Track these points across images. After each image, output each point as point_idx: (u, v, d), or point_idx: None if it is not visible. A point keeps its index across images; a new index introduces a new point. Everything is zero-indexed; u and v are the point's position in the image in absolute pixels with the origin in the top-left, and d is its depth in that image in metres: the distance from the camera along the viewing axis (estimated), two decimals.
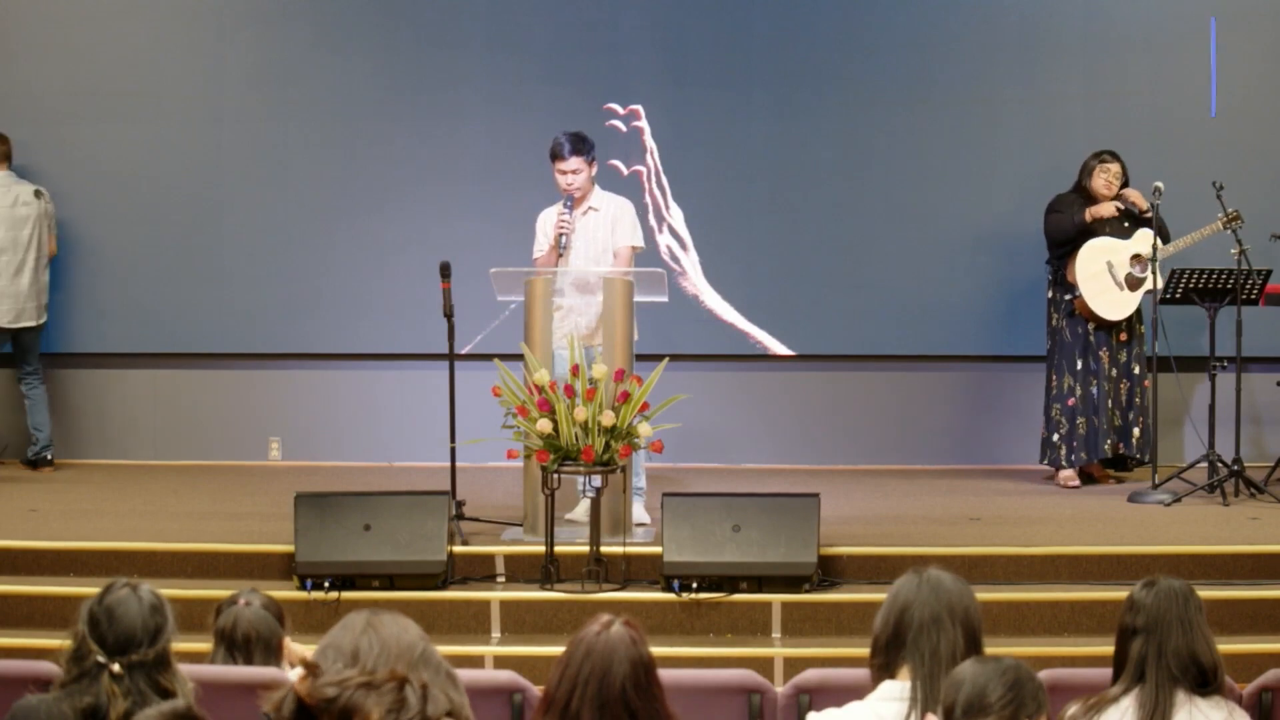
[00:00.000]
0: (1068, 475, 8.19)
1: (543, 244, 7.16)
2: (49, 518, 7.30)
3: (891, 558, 6.37)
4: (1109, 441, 8.12)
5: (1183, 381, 8.09)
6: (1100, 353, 8.12)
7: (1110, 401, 8.11)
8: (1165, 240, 7.99)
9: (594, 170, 7.16)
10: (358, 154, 9.12)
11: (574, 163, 7.04)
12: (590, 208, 7.15)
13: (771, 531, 6.25)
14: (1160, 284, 7.88)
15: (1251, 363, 8.17)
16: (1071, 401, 8.12)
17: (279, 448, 9.23)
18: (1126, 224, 8.16)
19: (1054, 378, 8.21)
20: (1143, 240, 8.06)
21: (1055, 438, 8.19)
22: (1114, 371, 8.13)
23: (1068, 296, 8.14)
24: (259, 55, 9.18)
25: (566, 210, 7.04)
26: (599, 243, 7.12)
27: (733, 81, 9.03)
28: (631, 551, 6.36)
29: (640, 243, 7.24)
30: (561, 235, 7.00)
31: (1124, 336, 8.15)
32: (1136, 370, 8.16)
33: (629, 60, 9.06)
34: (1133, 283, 8.08)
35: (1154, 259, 7.81)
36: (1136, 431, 8.15)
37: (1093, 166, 8.21)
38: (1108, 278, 8.04)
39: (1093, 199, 8.16)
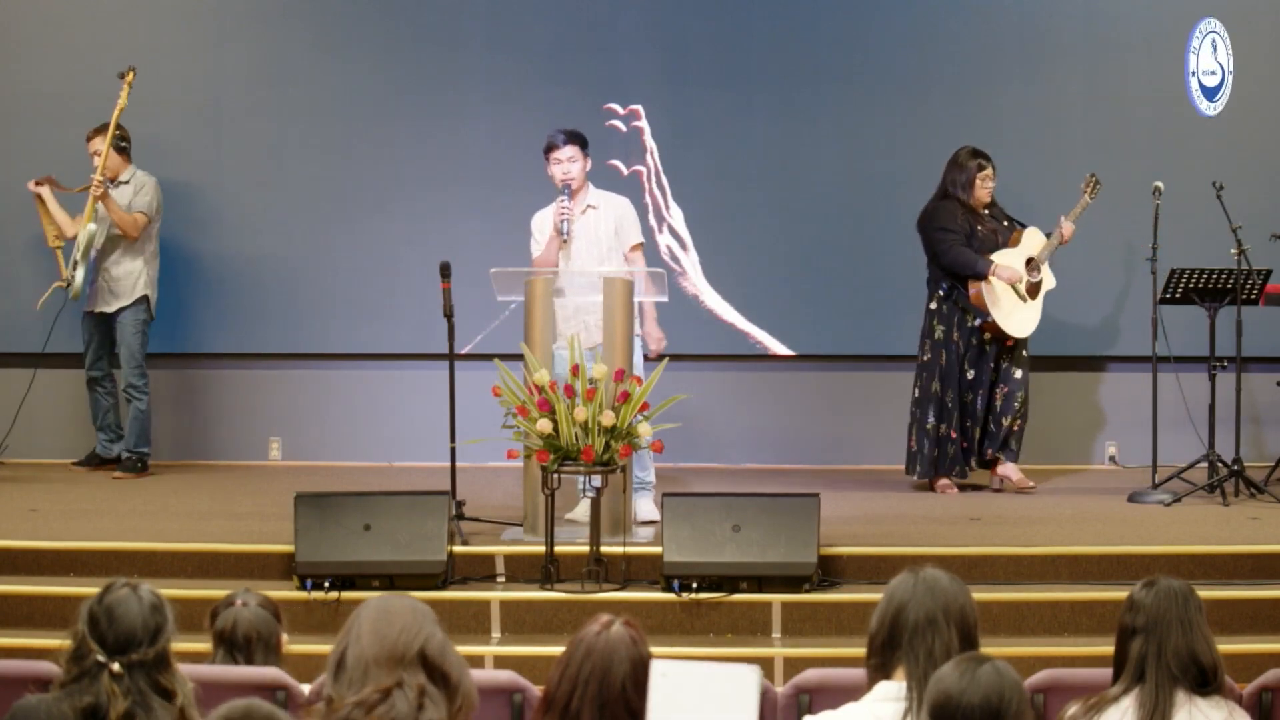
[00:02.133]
0: (945, 483, 8.01)
1: (541, 241, 7.17)
2: (49, 518, 7.29)
3: (891, 558, 6.36)
4: (989, 449, 8.00)
5: (1183, 381, 8.09)
6: (988, 364, 7.96)
7: (985, 407, 7.97)
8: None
9: (588, 165, 7.19)
10: (358, 154, 9.12)
11: (569, 150, 7.09)
12: (589, 205, 7.18)
13: (771, 531, 6.25)
14: (1054, 283, 7.94)
15: (1251, 363, 8.17)
16: (956, 413, 7.93)
17: (279, 448, 9.24)
18: (1005, 223, 8.06)
19: (938, 389, 7.93)
20: (1030, 240, 7.96)
21: (935, 452, 7.94)
22: (995, 378, 7.96)
23: (976, 321, 7.88)
24: (259, 55, 9.18)
25: (565, 197, 7.06)
26: (603, 241, 7.15)
27: (733, 81, 9.03)
28: (631, 551, 6.36)
29: (643, 239, 7.32)
30: (563, 221, 7.02)
31: (1011, 342, 7.98)
32: (1018, 374, 7.97)
33: (629, 60, 9.06)
34: (1032, 290, 7.92)
35: (1153, 258, 7.81)
36: (1016, 430, 7.98)
37: (972, 174, 7.90)
38: (1012, 294, 7.86)
39: (971, 208, 7.91)
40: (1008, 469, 8.05)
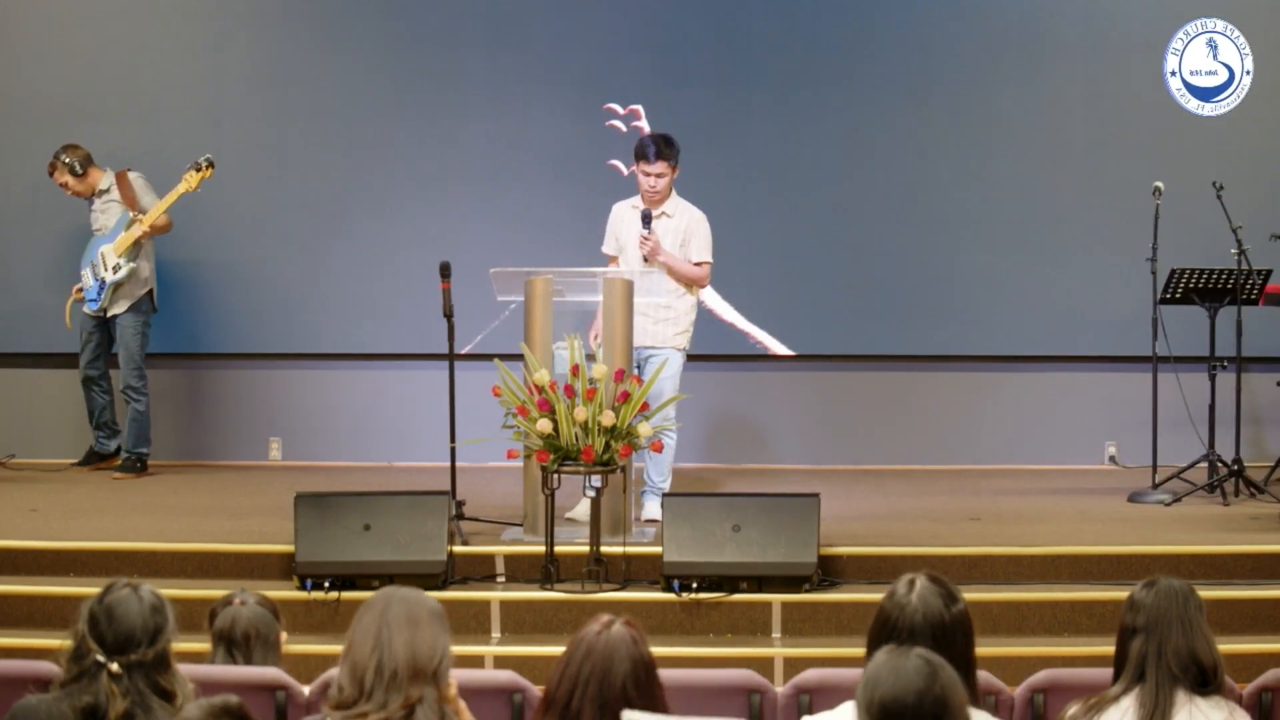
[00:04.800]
0: None
1: (611, 244, 7.27)
2: (49, 518, 7.30)
3: (891, 558, 6.37)
4: None
5: (1183, 381, 8.08)
6: None
7: None
8: None
9: (675, 175, 7.21)
10: (358, 154, 9.12)
11: (659, 166, 7.12)
12: (664, 213, 7.19)
13: (771, 531, 6.25)
14: None
15: (1251, 363, 8.17)
16: None
17: (279, 448, 9.24)
18: None
19: None
20: None
21: None
22: None
23: None
24: (259, 56, 9.18)
25: (646, 229, 7.08)
26: (667, 248, 7.15)
27: (732, 81, 9.03)
28: (631, 551, 6.36)
29: (711, 259, 7.30)
30: (645, 247, 7.07)
31: None
32: None
33: (629, 60, 9.06)
34: None
35: (1153, 258, 7.77)
36: None
37: None
38: None
39: None
40: None
